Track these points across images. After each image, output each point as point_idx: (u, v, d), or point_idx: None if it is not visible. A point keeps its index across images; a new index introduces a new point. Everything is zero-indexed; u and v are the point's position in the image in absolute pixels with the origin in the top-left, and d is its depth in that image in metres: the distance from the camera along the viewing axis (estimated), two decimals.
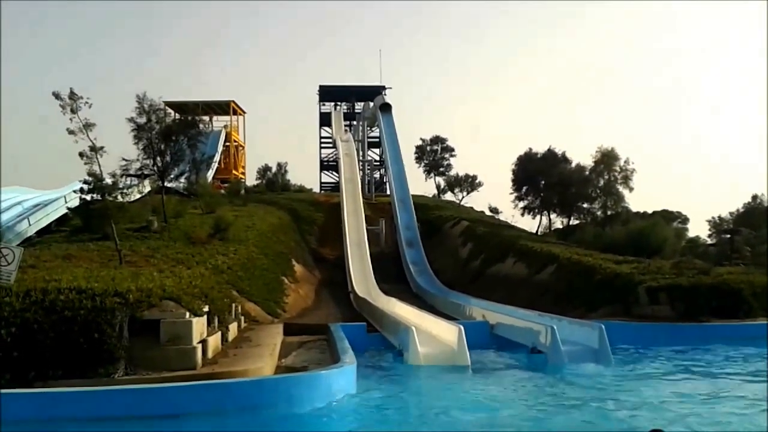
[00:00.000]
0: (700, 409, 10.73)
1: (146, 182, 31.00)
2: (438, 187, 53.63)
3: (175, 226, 25.93)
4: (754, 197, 42.11)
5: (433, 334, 16.94)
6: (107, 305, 10.53)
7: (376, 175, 53.56)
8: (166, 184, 28.13)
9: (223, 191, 39.81)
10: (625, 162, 35.85)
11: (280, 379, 11.02)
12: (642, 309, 19.72)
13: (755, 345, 16.56)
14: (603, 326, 15.38)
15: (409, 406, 11.04)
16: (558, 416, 10.47)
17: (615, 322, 17.95)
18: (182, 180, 31.22)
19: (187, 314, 11.35)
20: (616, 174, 35.70)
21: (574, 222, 39.84)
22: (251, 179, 53.44)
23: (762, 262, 25.78)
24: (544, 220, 41.34)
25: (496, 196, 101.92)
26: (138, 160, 25.55)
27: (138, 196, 30.37)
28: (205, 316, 12.33)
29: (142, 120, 25.33)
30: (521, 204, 40.37)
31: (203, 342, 11.70)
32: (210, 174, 42.65)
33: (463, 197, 51.74)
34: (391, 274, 31.37)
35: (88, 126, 19.33)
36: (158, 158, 26.24)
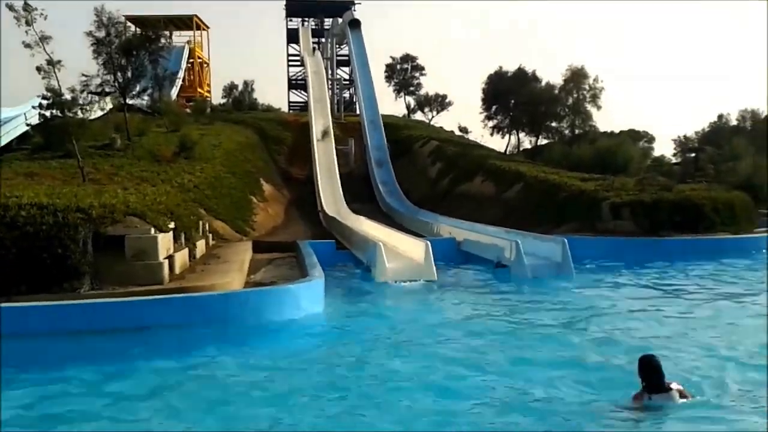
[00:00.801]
0: (650, 314, 11.28)
1: (108, 99, 30.14)
2: (408, 106, 53.24)
3: (139, 144, 25.47)
4: (720, 116, 42.64)
5: (400, 250, 17.15)
6: (70, 221, 10.40)
7: (346, 94, 52.73)
8: (128, 101, 27.45)
9: (188, 110, 38.96)
10: (594, 80, 35.84)
11: (249, 292, 11.10)
12: (605, 224, 20.12)
13: (714, 258, 17.14)
14: (566, 240, 15.71)
15: (376, 319, 11.18)
16: (515, 320, 10.91)
17: (578, 237, 18.31)
18: (145, 97, 30.50)
19: (152, 230, 11.28)
20: (585, 92, 35.72)
21: (542, 141, 40.05)
22: (217, 98, 52.36)
23: (724, 179, 26.34)
24: (513, 139, 41.51)
25: (465, 116, 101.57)
26: (98, 75, 24.79)
27: (100, 113, 29.58)
28: (171, 233, 12.26)
29: (101, 34, 24.42)
30: (490, 123, 40.40)
31: (170, 258, 11.70)
32: (174, 92, 41.58)
33: (432, 117, 51.54)
34: (361, 194, 31.42)
35: (44, 39, 18.59)
36: (119, 74, 25.47)
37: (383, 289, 14.06)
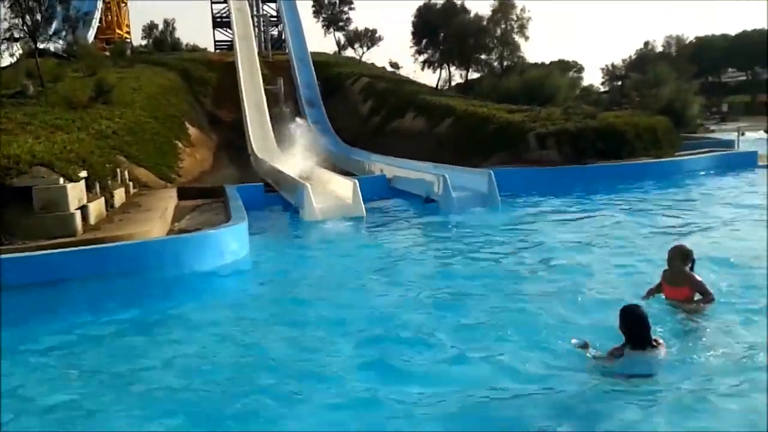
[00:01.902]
0: (570, 236, 11.73)
1: (17, 45, 28.36)
2: (338, 43, 52.03)
3: (53, 90, 24.13)
4: (646, 43, 43.32)
5: (329, 189, 17.00)
6: None
7: (274, 32, 51.09)
8: (40, 45, 25.87)
9: (107, 52, 37.11)
10: (521, 10, 35.70)
11: (166, 241, 10.79)
12: (531, 155, 20.39)
13: (636, 182, 17.67)
14: (491, 172, 15.85)
15: (303, 260, 11.10)
16: (439, 249, 11.13)
17: (504, 168, 18.50)
18: (59, 41, 28.83)
19: (61, 180, 10.77)
20: (513, 23, 35.57)
21: (473, 75, 39.97)
22: (137, 39, 50.03)
23: (648, 105, 26.90)
24: (444, 74, 41.24)
25: (396, 51, 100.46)
26: (5, 19, 23.24)
27: (12, 60, 27.92)
28: (83, 182, 11.74)
29: None
30: (421, 58, 39.92)
31: (83, 208, 11.22)
32: (90, 34, 39.46)
33: (363, 53, 50.60)
34: (292, 134, 30.79)
35: None
36: (27, 17, 23.92)
37: (311, 230, 13.93)
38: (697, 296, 6.75)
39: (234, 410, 5.24)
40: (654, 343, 5.49)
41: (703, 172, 20.04)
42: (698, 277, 6.81)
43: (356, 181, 15.81)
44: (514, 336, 6.51)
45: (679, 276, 6.80)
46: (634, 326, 5.46)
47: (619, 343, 5.53)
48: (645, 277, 7.95)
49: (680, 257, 6.82)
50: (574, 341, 5.79)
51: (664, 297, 6.96)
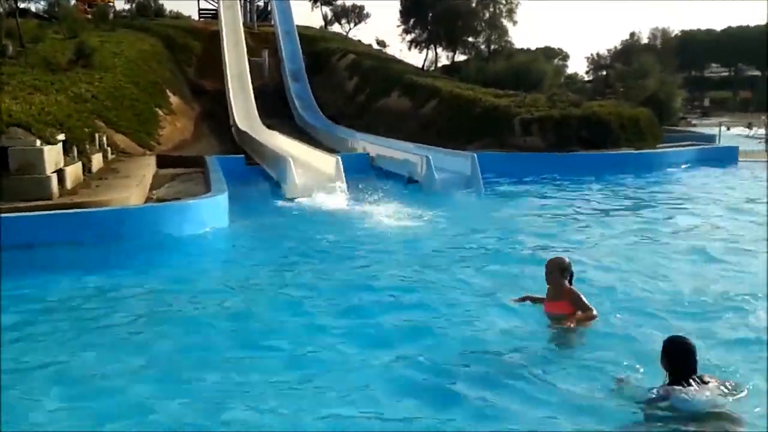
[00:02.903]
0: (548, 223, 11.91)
1: None
2: (325, 17, 51.40)
3: (33, 51, 23.54)
4: (632, 34, 43.40)
5: (311, 165, 16.84)
6: None
7: (260, 2, 50.31)
8: (21, 4, 25.30)
9: (89, 15, 36.29)
10: None
11: (145, 208, 10.63)
12: (516, 140, 20.37)
13: (618, 172, 17.74)
14: (475, 155, 15.81)
15: (281, 234, 10.97)
16: (414, 227, 11.11)
17: (488, 152, 18.47)
18: (41, 1, 28.22)
19: (38, 142, 10.51)
20: (501, 7, 35.43)
21: (459, 58, 39.80)
22: (120, 4, 49.02)
23: (632, 96, 27.02)
24: (431, 55, 41.01)
25: (383, 29, 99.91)
26: None
27: None
28: (60, 145, 11.48)
29: None
30: (408, 37, 39.62)
31: (59, 172, 10.99)
32: None
33: (350, 29, 50.09)
34: (276, 109, 30.44)
35: None
36: None
37: (291, 205, 13.81)
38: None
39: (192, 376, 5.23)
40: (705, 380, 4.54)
41: (684, 165, 20.21)
42: (578, 293, 6.24)
43: (339, 157, 15.67)
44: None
45: (558, 290, 6.28)
46: (681, 361, 4.57)
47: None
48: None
49: (558, 270, 6.26)
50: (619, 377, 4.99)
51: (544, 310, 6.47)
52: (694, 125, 34.94)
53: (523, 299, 6.76)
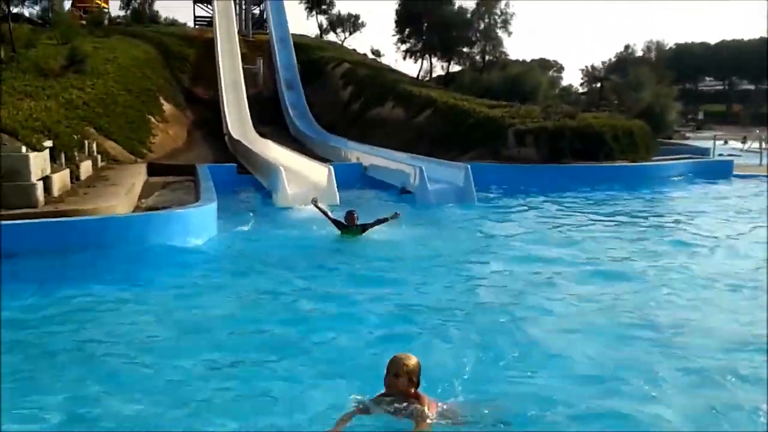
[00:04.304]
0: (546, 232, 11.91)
1: None
2: (320, 26, 51.46)
3: (25, 56, 23.38)
4: (626, 47, 43.50)
5: (303, 174, 16.69)
6: None
7: (255, 10, 50.30)
8: (14, 9, 25.12)
9: (83, 21, 36.17)
10: (505, 5, 35.58)
11: (132, 217, 10.43)
12: (510, 151, 20.29)
13: (610, 186, 17.64)
14: (468, 166, 15.69)
15: (271, 244, 10.79)
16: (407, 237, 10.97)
17: (482, 163, 18.37)
18: (34, 7, 28.08)
19: (24, 148, 10.34)
20: (497, 18, 35.46)
21: (454, 68, 39.83)
22: (115, 10, 48.90)
23: (627, 108, 27.00)
24: (426, 64, 41.03)
25: (379, 39, 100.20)
26: None
27: None
28: (47, 152, 11.31)
29: None
30: (403, 47, 39.63)
31: (46, 179, 10.80)
32: (67, 1, 38.54)
33: (345, 38, 50.12)
34: (270, 117, 30.35)
35: None
36: None
37: (283, 215, 13.64)
38: None
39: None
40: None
41: (678, 178, 20.13)
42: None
43: (331, 167, 15.53)
44: None
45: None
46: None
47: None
48: None
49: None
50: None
51: None
52: (688, 138, 34.98)
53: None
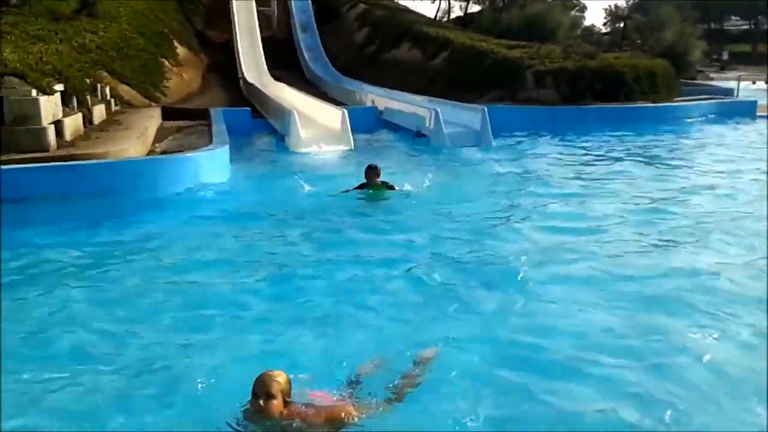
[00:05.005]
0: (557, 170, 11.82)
1: None
2: None
3: (37, 0, 23.15)
4: None
5: (317, 118, 16.52)
6: None
7: None
8: None
9: None
10: None
11: (141, 161, 10.38)
12: (528, 93, 19.87)
13: (632, 127, 17.28)
14: (485, 109, 15.39)
15: (280, 186, 10.70)
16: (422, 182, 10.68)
17: (499, 106, 18.01)
18: None
19: (34, 92, 10.25)
20: None
21: (473, 8, 38.78)
22: None
23: (650, 48, 26.26)
24: (444, 5, 40.01)
25: None
26: None
27: None
28: (59, 96, 11.22)
29: None
30: None
31: (57, 123, 10.75)
32: None
33: None
34: (284, 60, 29.91)
35: None
36: None
37: (295, 159, 13.53)
38: None
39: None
40: None
41: (701, 119, 19.69)
42: None
43: (345, 110, 15.32)
44: None
45: None
46: None
47: None
48: None
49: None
50: None
51: None
52: (712, 79, 34.03)
53: None
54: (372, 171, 9.53)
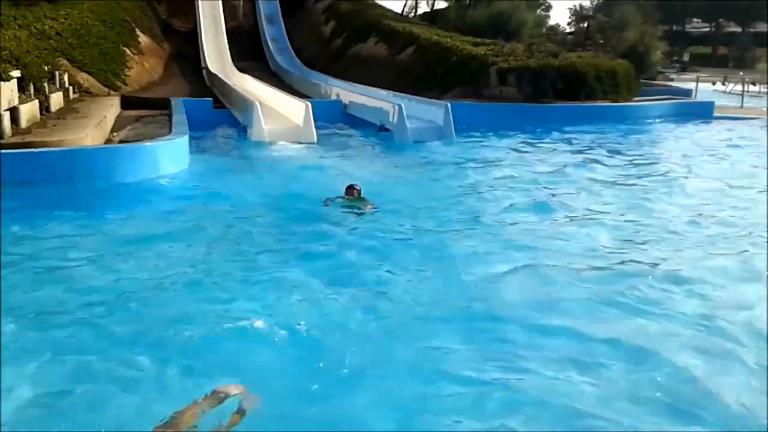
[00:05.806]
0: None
1: None
2: None
3: None
4: None
5: (280, 110, 16.45)
6: None
7: None
8: None
9: None
10: None
11: (98, 150, 10.22)
12: (492, 90, 20.06)
13: (591, 124, 17.61)
14: (448, 104, 15.53)
15: (241, 178, 10.68)
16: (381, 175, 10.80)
17: (462, 102, 18.16)
18: None
19: None
20: None
21: (440, 5, 38.92)
22: None
23: (611, 48, 26.69)
24: (410, 1, 40.09)
25: None
26: None
27: None
28: (15, 82, 11.01)
29: None
30: None
31: (13, 110, 10.55)
32: None
33: None
34: (250, 52, 29.69)
35: None
36: None
37: (257, 151, 13.46)
38: None
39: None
40: None
41: (659, 119, 20.11)
42: None
43: (308, 103, 15.28)
44: None
45: None
46: None
47: None
48: None
49: None
50: None
51: None
52: (672, 80, 34.75)
53: None
54: (351, 189, 9.10)
